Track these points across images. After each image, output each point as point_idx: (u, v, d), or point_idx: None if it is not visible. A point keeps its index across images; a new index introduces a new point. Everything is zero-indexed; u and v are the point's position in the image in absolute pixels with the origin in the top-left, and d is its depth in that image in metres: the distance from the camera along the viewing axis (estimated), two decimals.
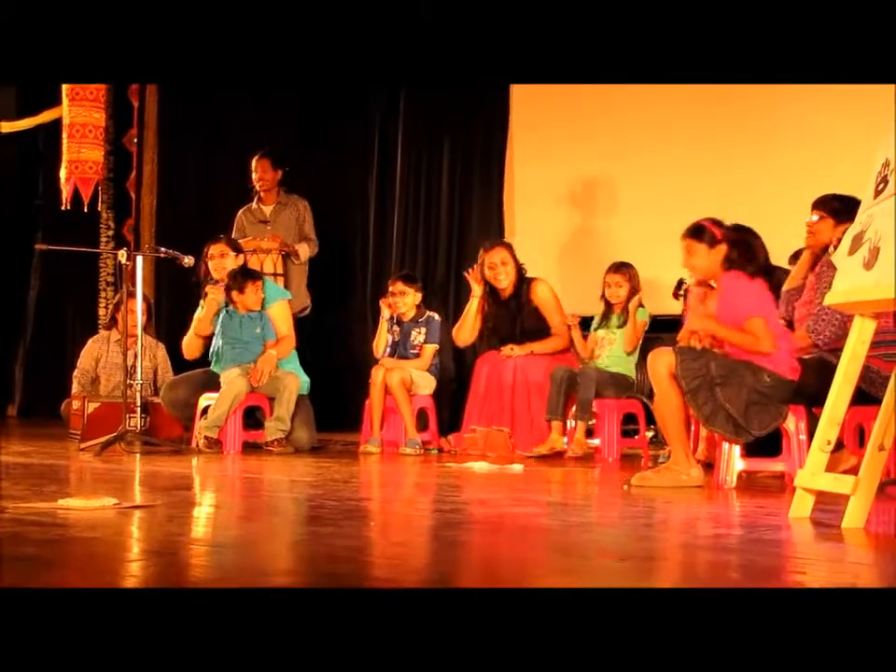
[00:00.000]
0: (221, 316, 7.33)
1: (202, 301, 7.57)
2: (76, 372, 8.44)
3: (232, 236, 8.31)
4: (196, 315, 7.59)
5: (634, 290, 7.14)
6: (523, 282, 7.59)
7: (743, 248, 5.14)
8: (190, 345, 7.58)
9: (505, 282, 7.56)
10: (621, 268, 7.18)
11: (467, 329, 7.71)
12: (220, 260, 7.49)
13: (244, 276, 7.31)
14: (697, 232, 5.20)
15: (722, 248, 5.12)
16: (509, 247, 7.65)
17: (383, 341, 7.63)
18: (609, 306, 7.23)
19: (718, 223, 5.22)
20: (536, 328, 7.51)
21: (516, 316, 7.55)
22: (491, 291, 7.64)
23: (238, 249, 7.64)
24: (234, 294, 7.28)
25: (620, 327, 7.14)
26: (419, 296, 7.62)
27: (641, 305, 7.17)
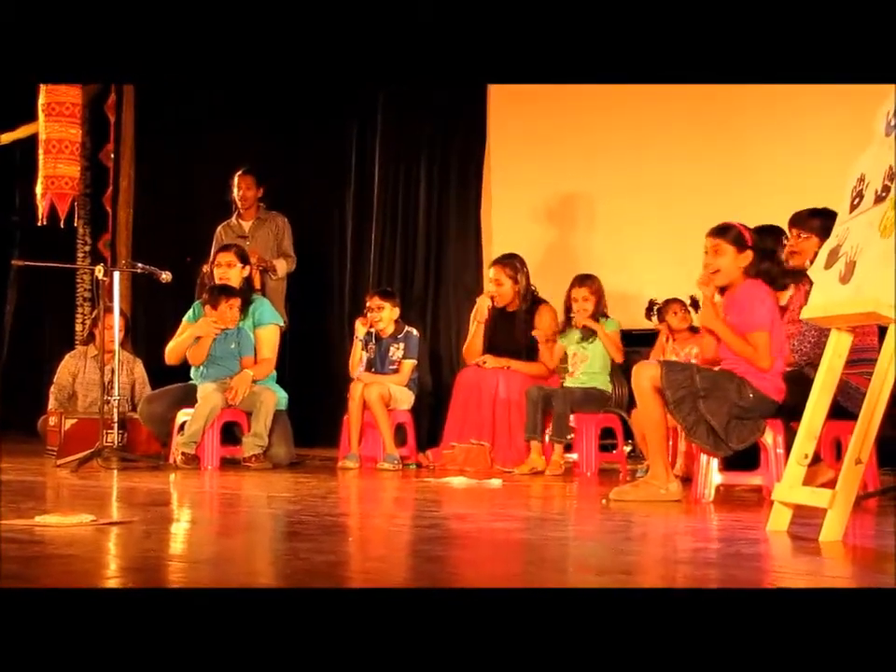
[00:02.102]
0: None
1: (194, 305, 7.56)
2: (52, 388, 8.41)
3: (212, 251, 8.30)
4: (185, 319, 7.56)
5: (600, 301, 7.13)
6: (526, 301, 7.60)
7: (772, 259, 5.09)
8: (176, 354, 7.50)
9: (500, 301, 7.60)
10: (585, 281, 7.17)
11: (475, 350, 7.70)
12: (227, 269, 7.48)
13: (218, 293, 7.29)
14: (727, 232, 5.02)
15: (749, 254, 4.98)
16: (504, 265, 7.63)
17: (357, 360, 7.63)
18: (570, 320, 7.22)
19: (749, 229, 5.08)
20: (535, 348, 7.55)
21: (515, 331, 7.55)
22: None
23: (246, 260, 7.64)
24: (208, 309, 7.27)
25: (585, 339, 7.12)
26: (396, 311, 7.63)
27: (607, 316, 7.16)
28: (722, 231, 5.04)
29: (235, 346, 7.27)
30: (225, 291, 7.31)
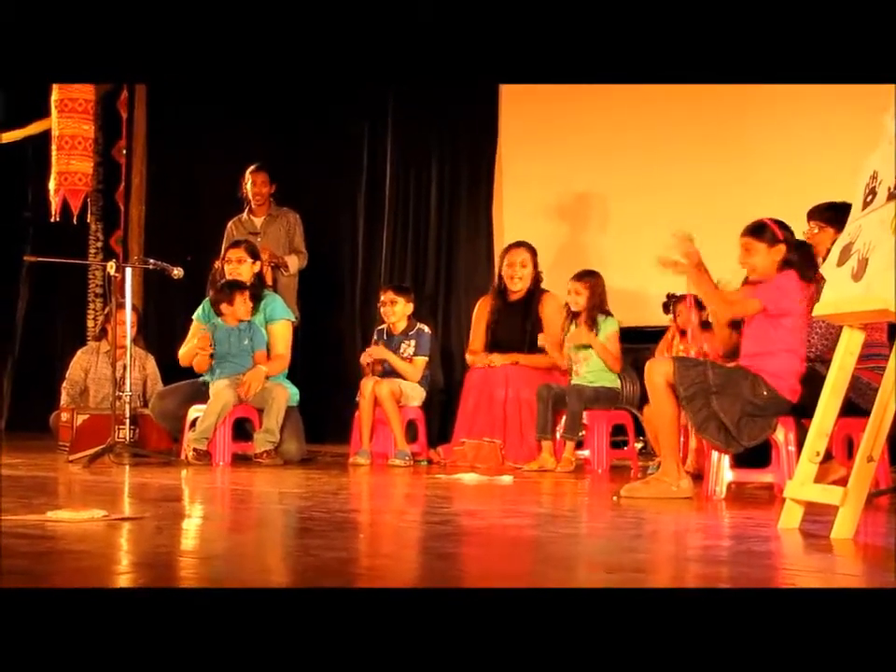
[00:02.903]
0: (209, 330, 7.32)
1: (204, 303, 7.60)
2: (65, 384, 8.42)
3: (223, 247, 8.32)
4: (195, 317, 7.59)
5: (594, 296, 7.08)
6: (536, 290, 7.60)
7: (805, 252, 5.11)
8: (187, 360, 7.55)
9: (519, 284, 7.57)
10: (583, 276, 7.13)
11: (478, 349, 7.71)
12: (237, 266, 7.51)
13: (231, 288, 7.31)
14: (758, 230, 5.07)
15: (781, 249, 5.01)
16: (531, 251, 7.62)
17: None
18: (573, 315, 7.19)
19: (779, 223, 5.12)
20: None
21: (524, 324, 7.54)
22: (501, 294, 7.65)
23: (256, 256, 7.66)
24: (224, 306, 7.28)
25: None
26: (410, 306, 7.64)
27: (609, 314, 7.13)
28: (752, 230, 5.10)
29: (249, 342, 7.29)
30: (236, 286, 7.33)
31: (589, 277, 7.11)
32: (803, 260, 5.03)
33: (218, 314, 7.31)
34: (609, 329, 7.05)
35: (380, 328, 7.73)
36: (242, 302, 7.27)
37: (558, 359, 7.32)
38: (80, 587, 2.58)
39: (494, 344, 7.61)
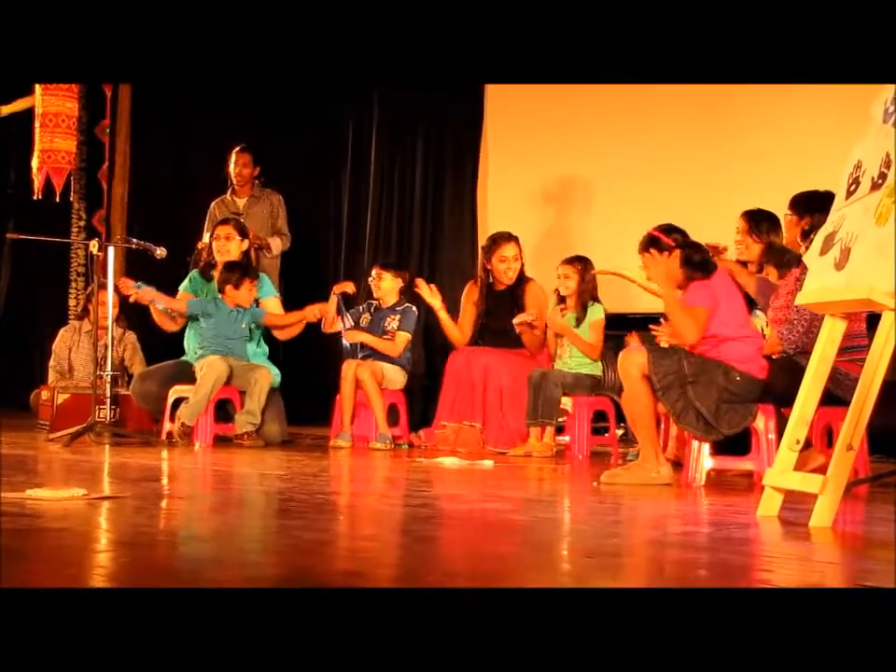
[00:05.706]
0: (206, 304, 7.30)
1: (191, 275, 7.66)
2: (52, 362, 8.43)
3: (205, 228, 8.30)
4: (181, 289, 7.60)
5: (583, 282, 7.07)
6: (521, 278, 7.61)
7: (692, 252, 5.15)
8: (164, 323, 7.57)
9: (513, 277, 7.58)
10: (573, 261, 7.13)
11: (465, 334, 7.74)
12: (226, 242, 7.50)
13: (243, 273, 7.28)
14: (649, 244, 5.20)
15: (677, 253, 5.12)
16: (517, 242, 7.64)
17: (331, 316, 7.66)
18: (561, 299, 7.20)
19: (666, 230, 5.22)
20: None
21: (513, 312, 7.52)
22: (489, 285, 7.65)
23: (245, 234, 7.64)
24: (229, 288, 7.24)
25: (576, 325, 7.08)
26: (398, 282, 7.65)
27: (597, 300, 7.12)
28: (644, 245, 5.25)
29: (246, 326, 7.28)
30: (248, 273, 7.31)
31: (579, 262, 7.10)
32: (691, 263, 5.11)
33: (220, 291, 7.28)
34: (595, 315, 7.04)
35: (370, 300, 7.75)
36: (247, 290, 7.26)
37: (534, 345, 7.38)
38: (60, 567, 2.58)
39: (484, 334, 7.63)
